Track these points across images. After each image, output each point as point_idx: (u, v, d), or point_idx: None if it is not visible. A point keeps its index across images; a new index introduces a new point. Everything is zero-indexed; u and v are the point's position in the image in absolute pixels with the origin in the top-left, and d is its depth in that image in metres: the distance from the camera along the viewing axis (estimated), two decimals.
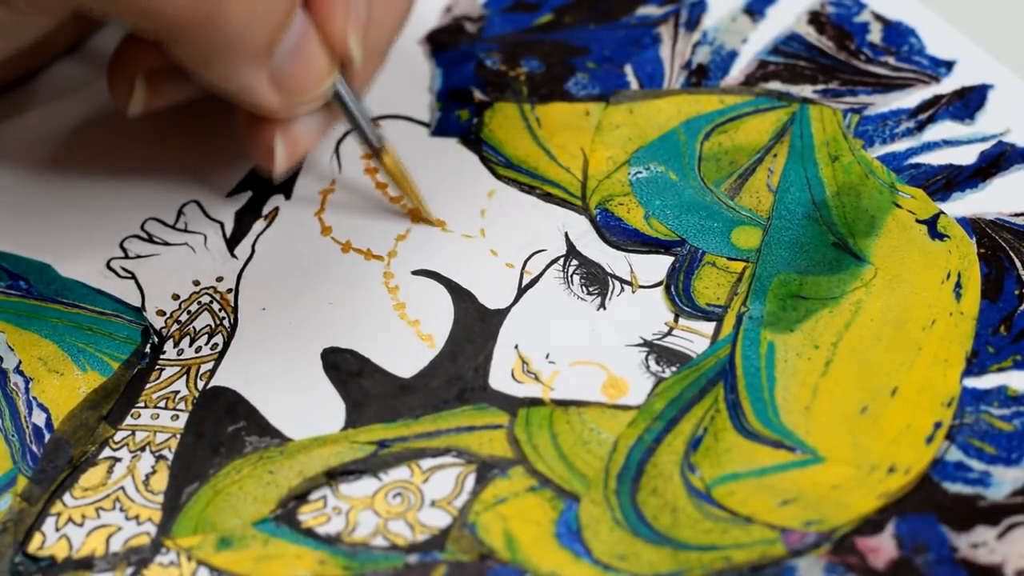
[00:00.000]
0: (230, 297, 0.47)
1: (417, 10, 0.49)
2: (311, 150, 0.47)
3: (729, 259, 0.47)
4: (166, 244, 0.48)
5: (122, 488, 0.43)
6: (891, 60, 0.52)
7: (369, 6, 0.44)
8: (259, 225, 0.49)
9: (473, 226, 0.48)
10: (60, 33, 0.51)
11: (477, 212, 0.48)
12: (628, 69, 0.52)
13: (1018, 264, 0.46)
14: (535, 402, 0.44)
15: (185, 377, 0.45)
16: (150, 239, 0.48)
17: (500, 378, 0.44)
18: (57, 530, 0.42)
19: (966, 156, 0.49)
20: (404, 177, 0.47)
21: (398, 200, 0.49)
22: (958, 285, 0.46)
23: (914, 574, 0.40)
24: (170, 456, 0.43)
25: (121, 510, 0.42)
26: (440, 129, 0.51)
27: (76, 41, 0.53)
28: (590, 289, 0.46)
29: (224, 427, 0.44)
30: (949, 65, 0.52)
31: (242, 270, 0.47)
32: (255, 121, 0.45)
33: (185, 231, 0.48)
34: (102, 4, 0.41)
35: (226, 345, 0.45)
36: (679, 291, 0.46)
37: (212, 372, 0.45)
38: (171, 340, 0.46)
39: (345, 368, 0.45)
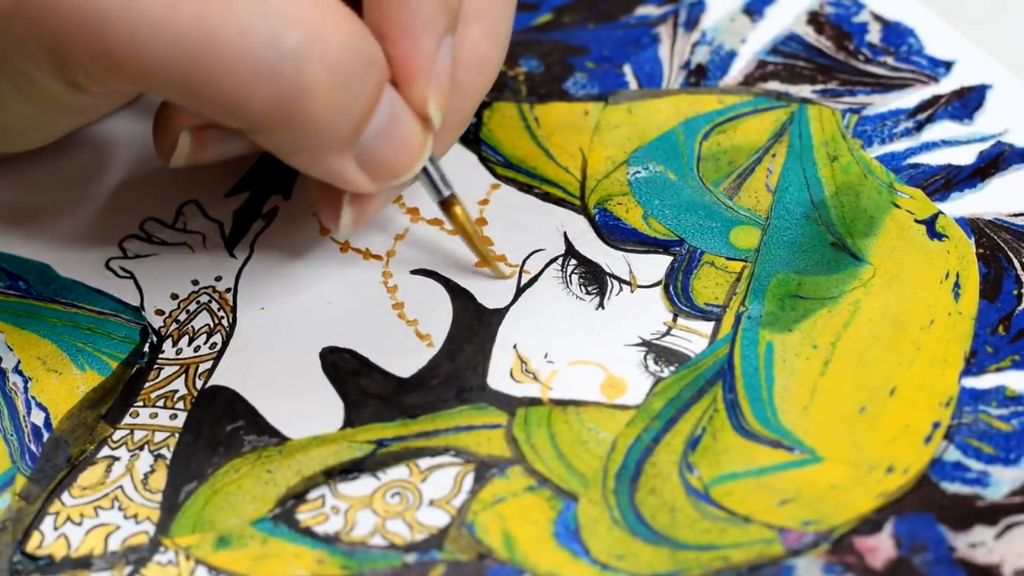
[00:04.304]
0: (229, 296, 0.47)
1: None
2: (378, 214, 0.46)
3: (728, 259, 0.47)
4: (165, 244, 0.48)
5: (120, 487, 0.43)
6: (890, 60, 0.52)
7: (455, 71, 0.43)
8: (258, 225, 0.49)
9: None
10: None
11: (476, 211, 0.48)
12: (627, 69, 0.52)
13: (1016, 264, 0.46)
14: (533, 402, 0.44)
15: (184, 376, 0.45)
16: (149, 239, 0.48)
17: (498, 378, 0.44)
18: (55, 529, 0.42)
19: (965, 156, 0.49)
20: (474, 230, 0.46)
21: (397, 199, 0.49)
22: (956, 285, 0.46)
23: (912, 574, 0.40)
24: (168, 455, 0.43)
25: (120, 509, 0.42)
26: None
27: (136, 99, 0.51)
28: (589, 289, 0.46)
29: (223, 426, 0.44)
30: (948, 65, 0.52)
31: (241, 269, 0.47)
32: (325, 184, 0.43)
33: (184, 231, 0.48)
34: (182, 98, 0.40)
35: (225, 344, 0.45)
36: (678, 291, 0.46)
37: (211, 371, 0.45)
38: (170, 339, 0.46)
39: (344, 367, 0.45)
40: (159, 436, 0.44)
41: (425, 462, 0.43)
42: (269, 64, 0.38)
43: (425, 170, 0.44)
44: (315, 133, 0.40)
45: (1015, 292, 0.45)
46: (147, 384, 0.45)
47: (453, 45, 0.42)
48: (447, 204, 0.45)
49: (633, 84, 0.52)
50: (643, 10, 0.54)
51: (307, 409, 0.44)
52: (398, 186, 0.44)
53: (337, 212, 0.44)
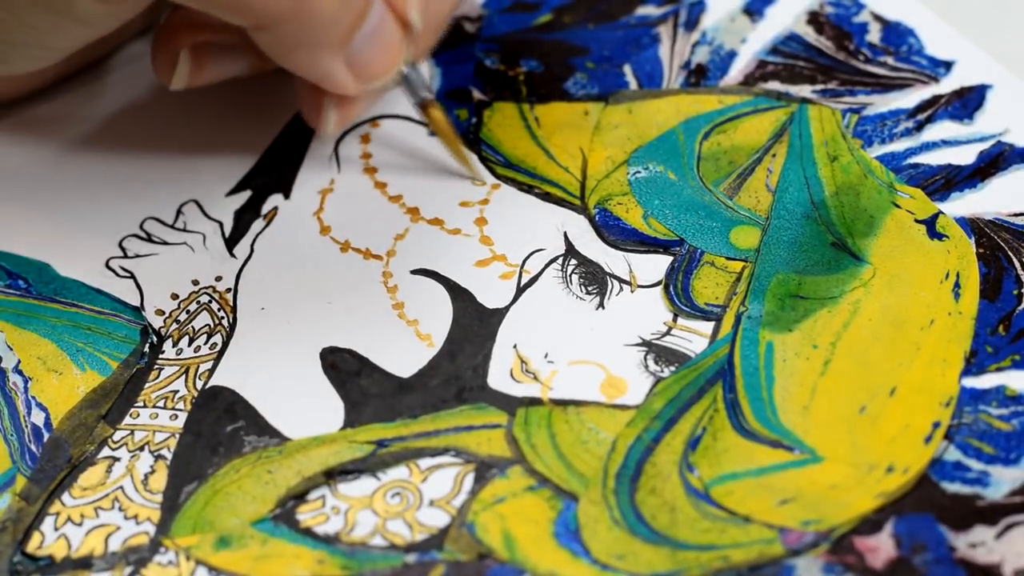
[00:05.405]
0: (229, 296, 0.47)
1: None
2: (362, 116, 0.50)
3: (728, 259, 0.47)
4: (165, 243, 0.48)
5: (121, 488, 0.43)
6: (890, 60, 0.52)
7: None
8: (258, 224, 0.49)
9: (472, 225, 0.48)
10: (135, 20, 0.51)
11: (476, 211, 0.48)
12: (627, 69, 0.52)
13: (1016, 264, 0.46)
14: (534, 401, 0.44)
15: (184, 376, 0.45)
16: (149, 238, 0.48)
17: (499, 377, 0.44)
18: (56, 529, 0.42)
19: (965, 156, 0.49)
20: (452, 132, 0.48)
21: (397, 199, 0.49)
22: (957, 285, 0.46)
23: (912, 574, 0.40)
24: (169, 456, 0.43)
25: (120, 510, 0.42)
26: None
27: (147, 26, 0.53)
28: (589, 288, 0.46)
29: (223, 427, 0.44)
30: (948, 65, 0.52)
31: (241, 269, 0.47)
32: (312, 87, 0.46)
33: (184, 230, 0.48)
34: None
35: (225, 344, 0.45)
36: (678, 291, 0.46)
37: (211, 371, 0.45)
38: (170, 339, 0.46)
39: (344, 367, 0.45)
40: (159, 436, 0.44)
41: (425, 462, 0.43)
42: None
43: (407, 74, 0.47)
44: (318, 28, 0.42)
45: (1015, 292, 0.45)
46: (147, 384, 0.45)
47: None
48: (425, 106, 0.48)
49: (633, 84, 0.52)
50: (643, 10, 0.54)
51: (307, 409, 0.44)
52: (378, 90, 0.46)
53: (320, 113, 0.46)
